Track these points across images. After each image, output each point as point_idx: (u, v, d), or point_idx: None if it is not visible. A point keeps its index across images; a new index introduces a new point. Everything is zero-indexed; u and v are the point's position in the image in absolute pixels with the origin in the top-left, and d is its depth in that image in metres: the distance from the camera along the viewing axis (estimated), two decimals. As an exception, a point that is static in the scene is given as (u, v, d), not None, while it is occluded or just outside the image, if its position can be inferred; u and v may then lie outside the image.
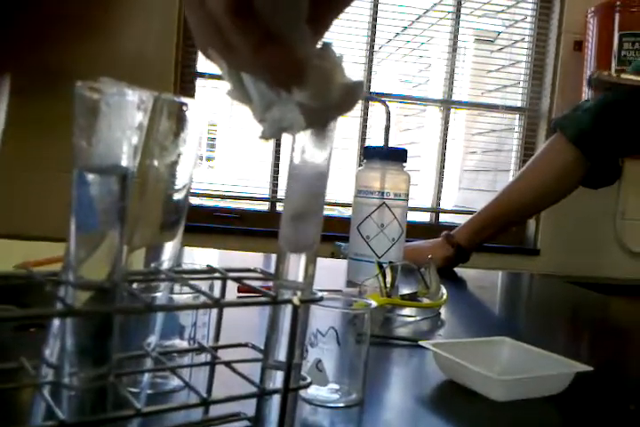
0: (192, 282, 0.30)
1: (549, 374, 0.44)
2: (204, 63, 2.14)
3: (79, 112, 0.23)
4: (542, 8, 2.36)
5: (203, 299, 0.28)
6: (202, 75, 2.15)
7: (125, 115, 0.24)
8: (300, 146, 0.29)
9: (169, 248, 0.31)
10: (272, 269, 0.32)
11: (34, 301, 0.28)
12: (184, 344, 0.44)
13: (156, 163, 0.29)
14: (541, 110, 2.38)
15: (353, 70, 2.28)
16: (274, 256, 1.10)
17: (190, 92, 2.14)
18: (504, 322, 0.78)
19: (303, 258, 0.31)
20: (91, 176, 0.24)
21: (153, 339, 0.32)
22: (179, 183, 0.31)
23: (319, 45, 0.27)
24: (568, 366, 0.45)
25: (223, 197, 2.27)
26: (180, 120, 0.29)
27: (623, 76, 0.83)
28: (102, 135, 0.23)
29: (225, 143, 2.51)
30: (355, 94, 0.27)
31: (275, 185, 2.27)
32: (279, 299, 0.30)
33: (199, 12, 0.26)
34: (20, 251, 0.83)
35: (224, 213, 2.22)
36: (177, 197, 0.31)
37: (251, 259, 1.08)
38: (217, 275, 0.32)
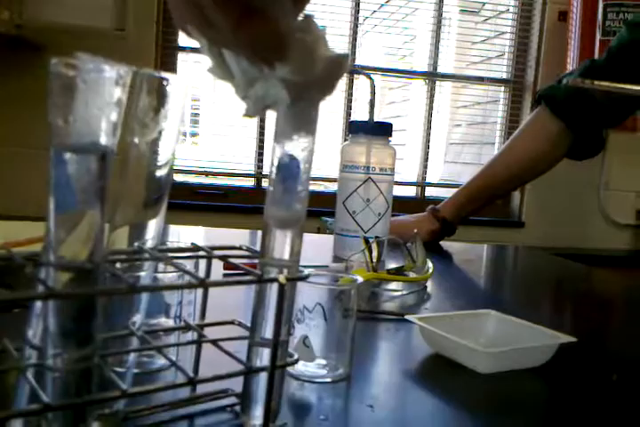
0: (177, 261, 0.30)
1: (534, 345, 0.44)
2: (184, 38, 2.09)
3: (55, 89, 0.22)
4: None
5: (188, 278, 0.28)
6: (183, 49, 2.11)
7: (103, 91, 0.23)
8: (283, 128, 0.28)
9: (152, 226, 0.31)
10: (258, 247, 0.32)
11: (16, 281, 0.27)
12: (170, 323, 0.44)
13: (136, 140, 0.28)
14: (526, 82, 2.38)
15: (337, 42, 2.25)
16: (259, 233, 1.10)
17: (172, 67, 2.11)
18: (490, 295, 0.79)
19: (289, 234, 0.31)
20: (68, 155, 0.23)
21: (138, 318, 0.32)
22: (161, 160, 0.31)
23: (301, 18, 0.26)
24: (552, 337, 0.45)
25: (207, 174, 2.26)
26: (160, 96, 0.28)
27: (597, 82, 0.82)
28: (79, 113, 0.23)
29: (208, 119, 2.47)
30: (339, 67, 0.27)
31: (260, 161, 2.26)
32: (265, 277, 0.30)
33: None
34: None
35: (208, 189, 2.21)
36: (159, 173, 0.31)
37: (236, 236, 1.08)
38: (202, 253, 0.32)
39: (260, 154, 2.25)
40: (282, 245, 0.31)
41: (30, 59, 1.88)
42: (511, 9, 2.40)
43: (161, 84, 0.28)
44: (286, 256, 0.31)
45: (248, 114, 0.28)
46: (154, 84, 0.27)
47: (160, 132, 0.29)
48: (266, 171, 2.25)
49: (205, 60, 0.28)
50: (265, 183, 2.27)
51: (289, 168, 0.29)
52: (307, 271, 0.31)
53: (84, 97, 0.23)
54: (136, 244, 0.32)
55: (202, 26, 0.26)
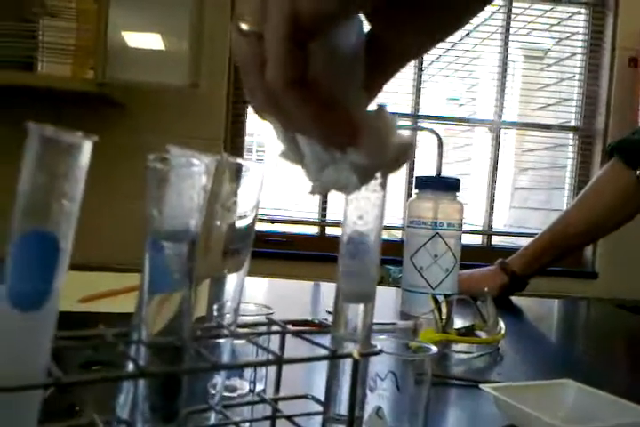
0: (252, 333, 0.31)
1: (619, 423, 0.42)
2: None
3: (151, 183, 0.24)
4: (595, 25, 2.31)
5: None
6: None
7: (193, 183, 0.25)
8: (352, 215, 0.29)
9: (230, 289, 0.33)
10: (322, 299, 0.33)
11: (99, 340, 0.29)
12: (244, 384, 0.45)
13: (218, 222, 0.30)
14: (596, 129, 2.33)
15: (401, 88, 2.27)
16: (323, 284, 1.10)
17: (241, 120, 2.19)
18: (566, 359, 0.76)
19: (361, 309, 0.31)
20: (163, 242, 0.25)
21: (219, 380, 0.33)
22: (239, 237, 0.32)
23: (373, 107, 0.27)
24: (637, 413, 0.43)
25: (273, 222, 2.30)
26: (240, 181, 0.30)
27: None
28: (172, 204, 0.24)
29: (272, 166, 2.54)
30: (406, 153, 0.28)
31: (324, 209, 2.28)
32: (339, 353, 0.30)
33: (256, 81, 0.26)
34: (75, 282, 0.86)
35: (274, 237, 2.24)
36: (237, 246, 0.33)
37: (300, 288, 1.09)
38: (277, 328, 0.33)
39: (325, 202, 2.28)
40: (354, 318, 0.31)
41: (111, 115, 2.01)
42: (578, 55, 2.37)
43: (241, 171, 0.30)
44: (359, 330, 0.31)
45: (314, 192, 0.29)
46: (235, 172, 0.29)
47: (240, 217, 0.31)
48: (330, 218, 2.28)
49: (278, 145, 0.30)
50: (329, 231, 2.29)
51: (359, 244, 0.30)
52: (379, 346, 0.32)
53: (177, 189, 0.24)
54: (215, 310, 0.33)
55: (278, 114, 0.27)
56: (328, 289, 1.10)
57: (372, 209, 0.29)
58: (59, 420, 0.28)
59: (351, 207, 0.30)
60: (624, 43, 2.25)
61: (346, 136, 0.26)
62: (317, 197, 2.28)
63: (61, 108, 1.94)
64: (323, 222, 2.29)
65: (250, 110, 2.21)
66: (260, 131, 2.34)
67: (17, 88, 1.78)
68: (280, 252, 2.17)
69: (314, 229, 2.31)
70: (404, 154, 0.27)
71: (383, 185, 0.28)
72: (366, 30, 0.28)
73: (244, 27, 0.26)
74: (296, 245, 2.23)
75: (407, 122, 2.26)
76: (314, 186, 0.29)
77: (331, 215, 2.28)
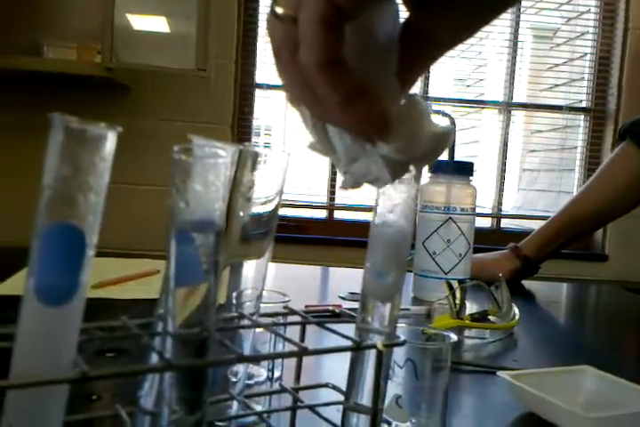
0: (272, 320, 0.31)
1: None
2: (261, 75, 2.17)
3: (176, 174, 0.24)
4: (606, 4, 2.27)
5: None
6: (260, 86, 2.18)
7: (218, 174, 0.24)
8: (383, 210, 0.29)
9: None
10: (332, 283, 0.32)
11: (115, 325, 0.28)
12: (261, 371, 0.45)
13: (241, 213, 0.29)
14: (608, 110, 2.30)
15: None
16: (332, 270, 1.09)
17: (249, 103, 2.18)
18: (579, 344, 0.76)
19: (388, 305, 0.31)
20: (190, 234, 0.24)
21: (240, 368, 0.33)
22: (259, 224, 0.32)
23: (406, 97, 0.27)
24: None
25: (282, 206, 2.29)
26: (261, 170, 0.29)
27: None
28: (198, 195, 0.24)
29: (280, 150, 2.53)
30: (443, 142, 0.27)
31: (332, 193, 2.27)
32: (364, 344, 0.30)
33: (290, 66, 0.26)
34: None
35: (282, 221, 2.24)
36: (257, 232, 0.32)
37: (309, 273, 1.09)
38: (299, 319, 0.32)
39: (333, 186, 2.27)
40: (381, 312, 0.31)
41: (119, 99, 2.00)
42: (590, 33, 2.33)
43: (261, 159, 0.29)
44: (385, 323, 0.31)
45: (345, 186, 0.29)
46: (256, 161, 0.29)
47: (261, 203, 0.30)
48: (338, 202, 2.27)
49: (307, 137, 0.29)
50: (337, 214, 2.28)
51: (388, 238, 0.30)
52: (403, 337, 0.31)
53: (203, 180, 0.24)
54: (234, 298, 0.33)
55: (311, 102, 0.27)
56: (337, 274, 1.10)
57: (403, 202, 0.28)
58: (76, 408, 0.29)
59: (382, 200, 0.29)
60: (637, 22, 2.21)
61: (375, 127, 0.26)
62: (326, 181, 2.28)
63: (68, 92, 1.94)
64: (331, 206, 2.28)
65: (257, 93, 2.19)
66: (267, 114, 2.32)
67: (24, 73, 1.78)
68: (288, 236, 2.17)
69: (322, 213, 2.31)
70: (440, 145, 0.27)
71: (417, 178, 0.28)
72: (403, 19, 0.28)
73: (279, 10, 0.25)
74: (305, 230, 2.23)
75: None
76: (345, 179, 0.28)
77: (339, 199, 2.28)
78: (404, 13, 0.27)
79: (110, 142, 0.22)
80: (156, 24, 2.10)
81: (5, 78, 1.85)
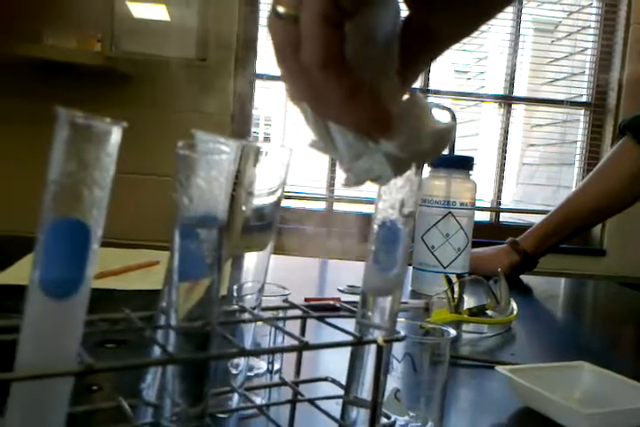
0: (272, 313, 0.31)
1: (637, 407, 0.42)
2: (261, 65, 2.16)
3: (180, 169, 0.24)
4: (609, -2, 2.26)
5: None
6: (260, 76, 2.17)
7: (222, 169, 0.24)
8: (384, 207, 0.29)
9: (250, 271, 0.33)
10: (330, 276, 0.33)
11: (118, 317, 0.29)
12: (261, 363, 0.45)
13: (244, 207, 0.29)
14: (608, 105, 2.29)
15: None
16: (331, 262, 1.09)
17: (249, 93, 2.17)
18: (577, 339, 0.76)
19: (389, 299, 0.31)
20: (193, 230, 0.24)
21: (241, 362, 0.34)
22: (260, 217, 0.32)
23: (407, 94, 0.27)
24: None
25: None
26: (264, 166, 0.29)
27: None
28: (202, 190, 0.24)
29: (280, 140, 2.52)
30: (445, 139, 0.27)
31: (332, 185, 2.27)
32: (364, 339, 0.30)
33: (292, 65, 0.26)
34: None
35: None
36: (258, 225, 0.33)
37: (308, 265, 1.09)
38: (300, 313, 0.33)
39: (333, 178, 2.27)
40: (381, 307, 0.31)
41: (119, 88, 1.99)
42: (592, 26, 2.32)
43: (265, 155, 0.29)
44: (386, 318, 0.31)
45: (348, 184, 0.29)
46: (258, 156, 0.29)
47: (264, 197, 0.31)
48: (338, 194, 2.27)
49: (308, 134, 0.29)
50: (337, 206, 2.28)
51: (389, 234, 0.30)
52: (403, 333, 0.32)
53: (207, 176, 0.24)
54: (235, 290, 0.33)
55: (313, 100, 0.27)
56: (335, 266, 1.10)
57: (406, 199, 0.28)
58: (77, 398, 0.29)
59: (384, 196, 0.29)
60: (639, 16, 2.20)
61: (377, 124, 0.26)
62: (326, 173, 2.27)
63: (68, 81, 1.93)
64: (331, 198, 2.29)
65: (257, 84, 2.18)
66: (267, 105, 2.32)
67: (24, 60, 1.77)
68: (287, 227, 2.17)
69: (322, 205, 2.31)
70: (442, 142, 0.27)
71: (419, 174, 0.28)
72: (403, 16, 0.27)
73: (280, 10, 0.25)
74: (302, 221, 2.23)
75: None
76: (347, 177, 0.28)
77: (339, 191, 2.28)
78: (404, 11, 0.27)
79: (115, 137, 0.22)
80: (156, 12, 2.09)
81: (5, 66, 1.84)
